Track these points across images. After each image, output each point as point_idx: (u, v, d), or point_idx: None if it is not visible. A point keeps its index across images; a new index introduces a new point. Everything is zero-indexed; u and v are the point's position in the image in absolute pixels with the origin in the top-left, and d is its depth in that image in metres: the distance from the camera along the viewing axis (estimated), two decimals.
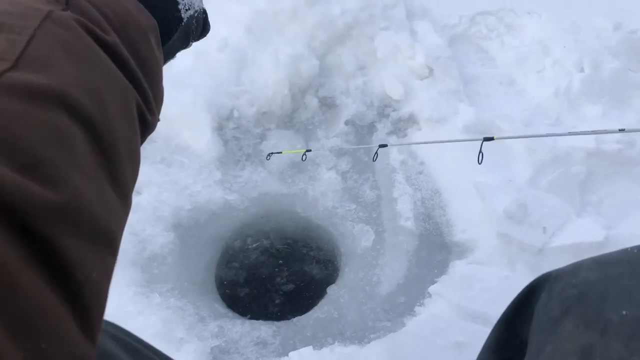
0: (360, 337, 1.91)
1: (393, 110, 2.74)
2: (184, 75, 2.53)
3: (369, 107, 2.76)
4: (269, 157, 2.33)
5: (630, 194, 2.38)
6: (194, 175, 2.38)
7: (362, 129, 2.72)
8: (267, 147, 2.58)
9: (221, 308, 2.13)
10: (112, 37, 0.50)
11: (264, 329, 1.96)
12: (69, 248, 0.36)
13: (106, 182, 0.44)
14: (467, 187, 2.26)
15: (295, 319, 2.03)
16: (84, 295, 0.37)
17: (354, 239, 2.28)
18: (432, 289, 2.01)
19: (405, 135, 2.67)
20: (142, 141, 0.57)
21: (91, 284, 0.38)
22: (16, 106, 0.37)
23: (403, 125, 2.70)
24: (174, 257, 2.14)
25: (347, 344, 1.87)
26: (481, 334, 1.79)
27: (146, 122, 0.55)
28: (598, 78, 2.71)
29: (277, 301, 2.41)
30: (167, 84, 0.65)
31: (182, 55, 0.76)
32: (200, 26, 0.73)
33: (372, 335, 1.90)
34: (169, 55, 0.67)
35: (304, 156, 2.16)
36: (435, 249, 2.21)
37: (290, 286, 2.46)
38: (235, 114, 2.61)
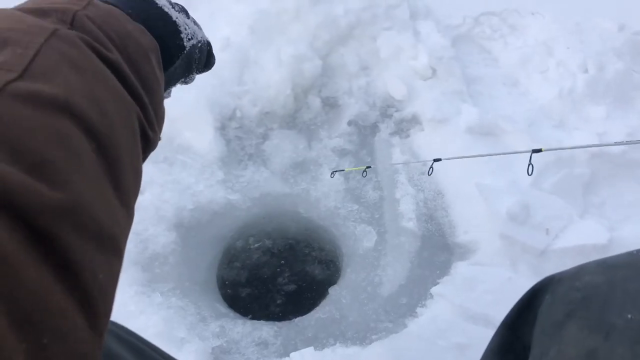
0: (362, 337, 1.91)
1: (396, 111, 2.73)
2: None
3: (372, 108, 2.76)
4: (332, 176, 2.35)
5: (634, 196, 2.36)
6: (196, 174, 2.38)
7: (364, 130, 2.72)
8: (269, 147, 2.58)
9: (222, 308, 2.12)
10: (115, 55, 0.52)
11: (265, 329, 1.95)
12: (75, 247, 0.37)
13: (110, 189, 0.45)
14: (469, 189, 2.25)
15: (296, 320, 2.02)
16: (91, 294, 0.38)
17: (356, 239, 2.27)
18: (434, 290, 2.00)
19: (408, 136, 2.66)
20: (144, 158, 0.58)
21: (97, 283, 0.39)
22: (23, 111, 0.39)
23: (406, 126, 2.70)
24: (176, 256, 2.14)
25: (349, 344, 1.87)
26: (483, 335, 1.79)
27: (147, 138, 0.57)
28: (602, 79, 2.70)
29: (278, 301, 2.41)
30: None
31: None
32: (204, 57, 0.75)
33: (373, 336, 1.90)
34: (171, 82, 0.69)
35: (365, 173, 2.18)
36: (438, 250, 2.20)
37: (292, 286, 2.46)
38: (238, 113, 2.61)
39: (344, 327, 1.96)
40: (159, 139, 0.62)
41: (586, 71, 2.75)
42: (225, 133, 2.57)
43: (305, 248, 2.60)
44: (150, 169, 2.32)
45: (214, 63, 0.81)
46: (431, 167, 1.85)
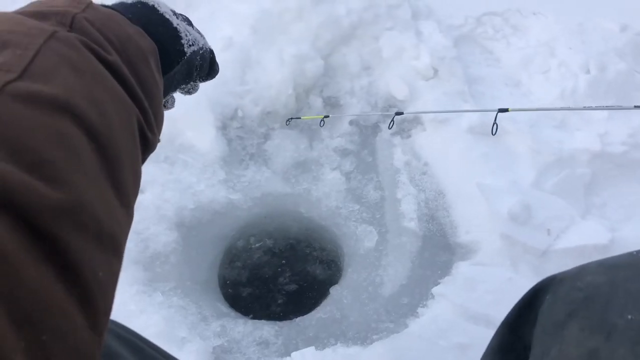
0: (363, 337, 1.91)
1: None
2: None
3: (374, 108, 2.76)
4: (288, 123, 2.31)
5: (636, 196, 2.36)
6: (198, 174, 2.38)
7: (366, 129, 2.72)
8: (271, 146, 2.58)
9: (224, 307, 2.13)
10: (114, 57, 0.52)
11: (266, 329, 1.95)
12: (75, 246, 0.37)
13: (109, 189, 0.45)
14: (471, 189, 2.25)
15: (297, 319, 2.02)
16: (91, 293, 0.38)
17: (357, 239, 2.27)
18: (435, 290, 2.00)
19: (409, 136, 2.66)
20: (143, 160, 0.58)
21: (97, 282, 0.39)
22: (22, 111, 0.39)
23: (407, 126, 2.70)
24: (177, 256, 2.14)
25: (350, 344, 1.87)
26: (484, 335, 1.79)
27: (147, 140, 0.57)
28: (604, 80, 2.70)
29: (279, 301, 2.41)
30: None
31: None
32: (206, 65, 0.75)
33: (374, 336, 1.90)
34: (171, 87, 0.69)
35: (322, 122, 2.15)
36: (439, 250, 2.20)
37: (293, 286, 2.46)
38: (240, 113, 2.61)
39: (345, 326, 1.96)
40: (158, 140, 0.62)
41: (588, 72, 2.74)
42: (226, 132, 2.57)
43: (307, 248, 2.60)
44: (151, 168, 2.32)
45: (217, 71, 0.81)
46: (392, 120, 1.81)
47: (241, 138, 2.60)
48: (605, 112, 2.57)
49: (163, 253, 2.12)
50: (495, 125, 1.40)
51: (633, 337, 0.72)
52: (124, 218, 0.47)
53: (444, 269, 2.12)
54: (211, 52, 0.77)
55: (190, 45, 0.68)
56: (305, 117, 2.25)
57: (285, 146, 2.57)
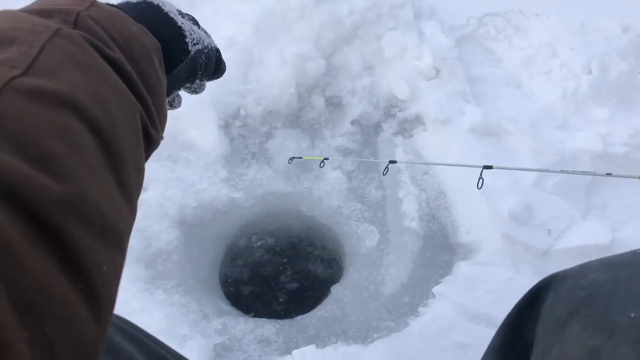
0: (364, 336, 1.91)
1: (399, 111, 2.74)
2: None
3: (376, 107, 2.76)
4: (290, 162, 2.34)
5: (636, 197, 2.36)
6: (200, 172, 2.39)
7: (368, 129, 2.72)
8: (273, 146, 2.59)
9: (225, 305, 2.13)
10: (117, 54, 0.53)
11: (267, 327, 1.96)
12: (79, 240, 0.37)
13: (113, 184, 0.45)
14: (472, 188, 2.23)
15: (298, 318, 2.03)
16: (95, 286, 0.38)
17: (359, 238, 2.28)
18: (436, 289, 2.00)
19: (411, 136, 2.66)
20: (147, 157, 0.59)
21: (101, 275, 0.39)
22: (27, 106, 0.39)
23: (409, 126, 2.70)
24: (179, 254, 2.15)
25: (350, 343, 1.88)
26: (484, 335, 1.79)
27: (150, 137, 0.57)
28: (606, 80, 2.70)
29: (280, 299, 2.42)
30: None
31: None
32: (212, 64, 0.75)
33: (375, 335, 1.90)
34: (175, 85, 0.69)
35: (322, 164, 2.17)
36: (440, 250, 2.21)
37: (294, 285, 2.46)
38: (242, 112, 2.62)
39: (346, 325, 1.97)
40: (161, 138, 0.63)
41: (590, 72, 2.75)
42: (229, 131, 2.58)
43: (308, 247, 2.61)
44: (154, 166, 2.33)
45: (224, 70, 0.81)
46: (386, 167, 1.83)
47: (243, 137, 2.60)
48: (607, 113, 2.58)
49: (165, 251, 2.12)
50: (481, 180, 1.42)
51: (635, 335, 0.72)
52: (127, 214, 0.47)
53: (445, 269, 2.13)
54: (217, 51, 0.77)
55: (194, 44, 0.68)
56: (306, 157, 2.30)
57: (287, 145, 2.58)
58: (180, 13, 0.71)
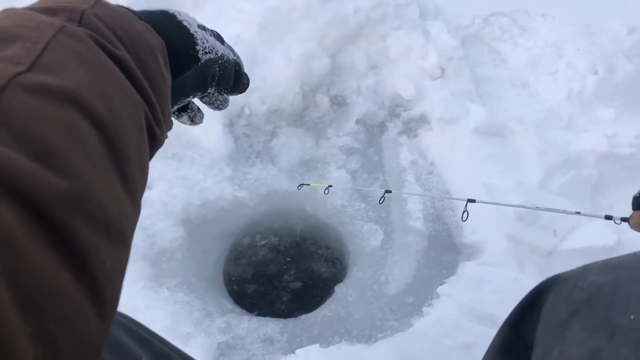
0: (367, 336, 1.91)
1: (404, 110, 2.73)
2: None
3: (380, 107, 2.76)
4: (300, 188, 2.34)
5: None
6: (204, 171, 2.39)
7: (372, 129, 2.72)
8: (277, 144, 2.58)
9: (229, 304, 2.13)
10: (122, 52, 0.52)
11: (271, 326, 1.96)
12: (83, 235, 0.37)
13: (117, 181, 0.45)
14: (477, 188, 2.25)
15: (302, 317, 2.03)
16: (99, 282, 0.38)
17: (363, 238, 2.27)
18: (440, 289, 2.00)
19: (416, 136, 2.66)
20: (151, 155, 0.58)
21: (105, 271, 0.39)
22: (31, 102, 0.39)
23: (414, 125, 2.70)
24: (183, 252, 2.15)
25: (354, 342, 1.87)
26: (489, 335, 1.79)
27: (154, 135, 0.57)
28: (612, 81, 2.69)
29: (284, 298, 2.41)
30: None
31: None
32: (229, 76, 0.74)
33: (379, 335, 1.90)
34: (182, 92, 0.68)
35: (327, 190, 2.17)
36: (444, 250, 2.20)
37: (298, 284, 2.46)
38: (246, 111, 2.62)
39: (350, 325, 1.97)
40: (166, 137, 0.63)
41: (596, 73, 2.74)
42: (233, 130, 2.58)
43: (312, 246, 2.61)
44: (158, 164, 2.33)
45: (246, 85, 0.79)
46: (382, 197, 1.86)
47: (248, 135, 2.60)
48: (613, 114, 2.57)
49: (169, 249, 2.12)
50: (465, 213, 1.45)
51: (636, 337, 0.72)
52: (131, 211, 0.47)
53: (450, 269, 2.12)
54: (237, 64, 0.75)
55: (205, 53, 0.67)
56: (313, 184, 2.31)
57: (291, 144, 2.58)
58: (203, 27, 0.71)
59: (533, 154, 2.42)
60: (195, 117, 0.80)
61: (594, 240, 2.07)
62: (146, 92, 0.54)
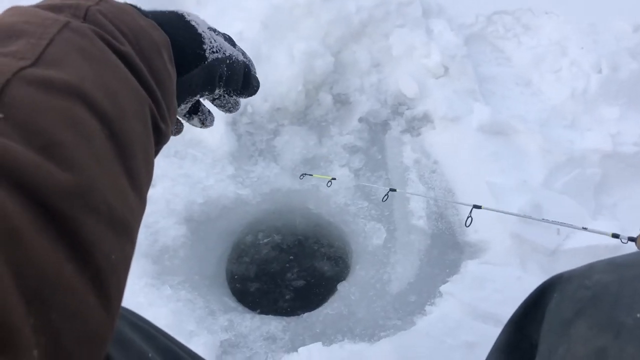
0: (370, 334, 1.91)
1: (407, 109, 2.73)
2: None
3: (383, 105, 2.76)
4: (302, 177, 2.34)
5: None
6: (207, 169, 2.39)
7: (375, 127, 2.71)
8: (280, 143, 2.58)
9: (231, 302, 2.13)
10: (127, 48, 0.53)
11: (273, 324, 1.96)
12: (87, 228, 0.37)
13: (122, 175, 0.45)
14: (480, 187, 2.24)
15: (305, 315, 2.03)
16: (103, 275, 0.38)
17: (366, 236, 2.27)
18: (443, 288, 2.00)
19: (419, 134, 2.65)
20: (157, 151, 0.59)
21: (110, 264, 0.39)
22: (35, 96, 0.40)
23: (417, 124, 2.69)
24: (186, 250, 2.15)
25: (357, 341, 1.87)
26: (492, 334, 1.78)
27: (160, 131, 0.57)
28: (616, 79, 2.68)
29: (287, 297, 2.41)
30: None
31: None
32: (238, 77, 0.73)
33: (382, 333, 1.90)
34: (188, 90, 0.68)
35: (330, 183, 2.17)
36: (447, 249, 2.20)
37: (301, 282, 2.46)
38: (249, 109, 2.61)
39: (353, 323, 1.96)
40: (171, 132, 0.63)
41: (600, 71, 2.73)
42: (236, 128, 2.58)
43: (315, 244, 2.61)
44: (161, 162, 2.33)
45: (255, 87, 0.79)
46: (386, 194, 1.86)
47: (250, 134, 2.60)
48: (617, 112, 2.56)
49: (172, 247, 2.12)
50: (470, 219, 1.45)
51: None
52: (136, 205, 0.47)
53: (453, 268, 2.12)
54: (246, 66, 0.75)
55: (213, 52, 0.67)
56: (316, 175, 2.31)
57: (294, 142, 2.57)
58: (214, 29, 0.71)
59: (537, 153, 2.41)
60: (205, 120, 0.80)
61: (597, 239, 2.05)
62: (151, 87, 0.55)
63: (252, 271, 2.50)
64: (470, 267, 2.05)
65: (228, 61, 0.70)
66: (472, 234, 2.20)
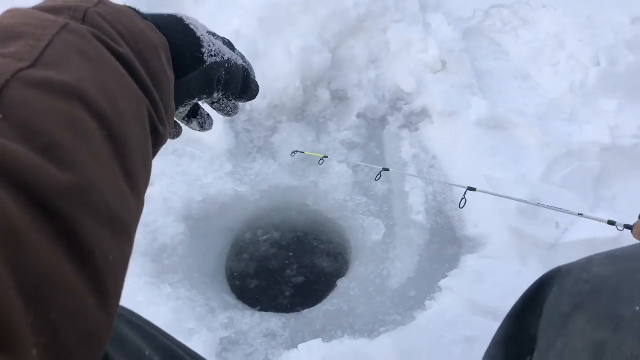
0: (370, 330, 1.91)
1: (405, 104, 2.72)
2: None
3: (381, 101, 2.75)
4: (293, 155, 2.33)
5: None
6: (205, 167, 2.39)
7: (373, 122, 2.71)
8: (278, 140, 2.58)
9: (231, 299, 2.13)
10: (125, 50, 0.53)
11: (273, 321, 1.96)
12: (86, 227, 0.38)
13: (120, 175, 0.46)
14: (479, 181, 2.23)
15: (305, 312, 2.02)
16: (101, 274, 0.39)
17: (365, 232, 2.27)
18: (442, 283, 1.99)
19: (417, 129, 2.65)
20: (155, 153, 0.59)
21: (108, 264, 0.40)
22: (34, 96, 0.40)
23: (415, 119, 2.69)
24: (185, 248, 2.15)
25: (357, 337, 1.87)
26: (491, 328, 1.78)
27: (157, 132, 0.57)
28: (614, 72, 2.68)
29: (287, 293, 2.41)
30: None
31: None
32: (237, 81, 0.74)
33: (382, 329, 1.90)
34: (186, 93, 0.68)
35: (321, 161, 2.16)
36: (447, 243, 2.20)
37: (300, 279, 2.46)
38: (247, 106, 2.61)
39: (352, 319, 1.96)
40: (169, 135, 0.63)
41: (598, 64, 2.72)
42: (234, 125, 2.57)
43: (314, 241, 2.60)
44: (159, 161, 2.32)
45: (254, 92, 0.79)
46: (379, 174, 1.86)
47: (248, 131, 2.60)
48: (615, 105, 2.55)
49: (171, 245, 2.12)
50: (464, 200, 1.45)
51: None
52: (134, 205, 0.47)
53: (452, 262, 2.12)
54: (245, 70, 0.75)
55: (211, 56, 0.68)
56: (307, 153, 2.30)
57: (292, 139, 2.57)
58: (213, 34, 0.72)
59: (535, 147, 2.41)
60: (204, 124, 0.80)
61: (596, 232, 2.06)
62: (149, 89, 0.55)
63: (252, 268, 2.50)
64: (469, 262, 2.05)
65: (227, 65, 0.70)
66: (472, 229, 2.20)
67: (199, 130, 0.80)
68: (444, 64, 2.74)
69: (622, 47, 2.79)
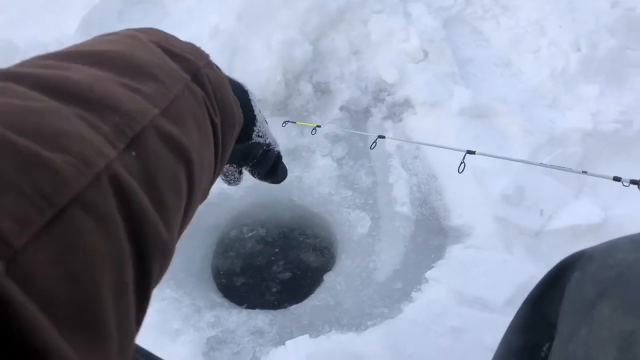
0: (357, 323, 1.90)
1: (388, 95, 2.71)
2: None
3: (364, 92, 2.73)
4: (284, 125, 2.30)
5: (628, 174, 2.34)
6: None
7: (357, 115, 2.69)
8: None
9: (217, 298, 2.12)
10: (218, 121, 0.60)
11: (260, 318, 1.94)
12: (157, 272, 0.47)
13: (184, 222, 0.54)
14: (463, 173, 2.23)
15: (292, 307, 2.01)
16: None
17: (350, 225, 2.26)
18: (428, 274, 1.99)
19: (400, 120, 2.64)
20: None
21: None
22: (161, 149, 0.46)
23: (398, 110, 2.67)
24: None
25: (344, 331, 1.87)
26: (478, 319, 1.79)
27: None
28: (595, 57, 2.68)
29: (273, 290, 2.40)
30: None
31: None
32: (266, 164, 0.84)
33: (369, 322, 1.89)
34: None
35: (314, 131, 2.14)
36: (432, 234, 2.19)
37: (287, 274, 2.44)
38: None
39: (339, 313, 1.96)
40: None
41: (579, 50, 2.72)
42: None
43: (300, 236, 2.59)
44: None
45: (281, 177, 0.92)
46: (374, 142, 1.84)
47: None
48: (597, 90, 2.55)
49: None
50: (462, 165, 1.45)
51: None
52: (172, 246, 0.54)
53: (438, 253, 2.11)
54: (279, 156, 0.86)
55: (258, 136, 0.77)
56: (299, 122, 2.28)
57: (275, 134, 2.53)
58: (259, 110, 0.80)
59: (518, 134, 2.40)
60: (231, 181, 0.92)
61: (581, 218, 2.07)
62: (218, 158, 0.63)
63: (238, 266, 2.48)
64: (454, 252, 2.05)
65: (265, 147, 0.80)
66: (456, 219, 2.20)
67: (227, 184, 0.92)
68: (426, 53, 2.73)
69: (603, 32, 2.79)
